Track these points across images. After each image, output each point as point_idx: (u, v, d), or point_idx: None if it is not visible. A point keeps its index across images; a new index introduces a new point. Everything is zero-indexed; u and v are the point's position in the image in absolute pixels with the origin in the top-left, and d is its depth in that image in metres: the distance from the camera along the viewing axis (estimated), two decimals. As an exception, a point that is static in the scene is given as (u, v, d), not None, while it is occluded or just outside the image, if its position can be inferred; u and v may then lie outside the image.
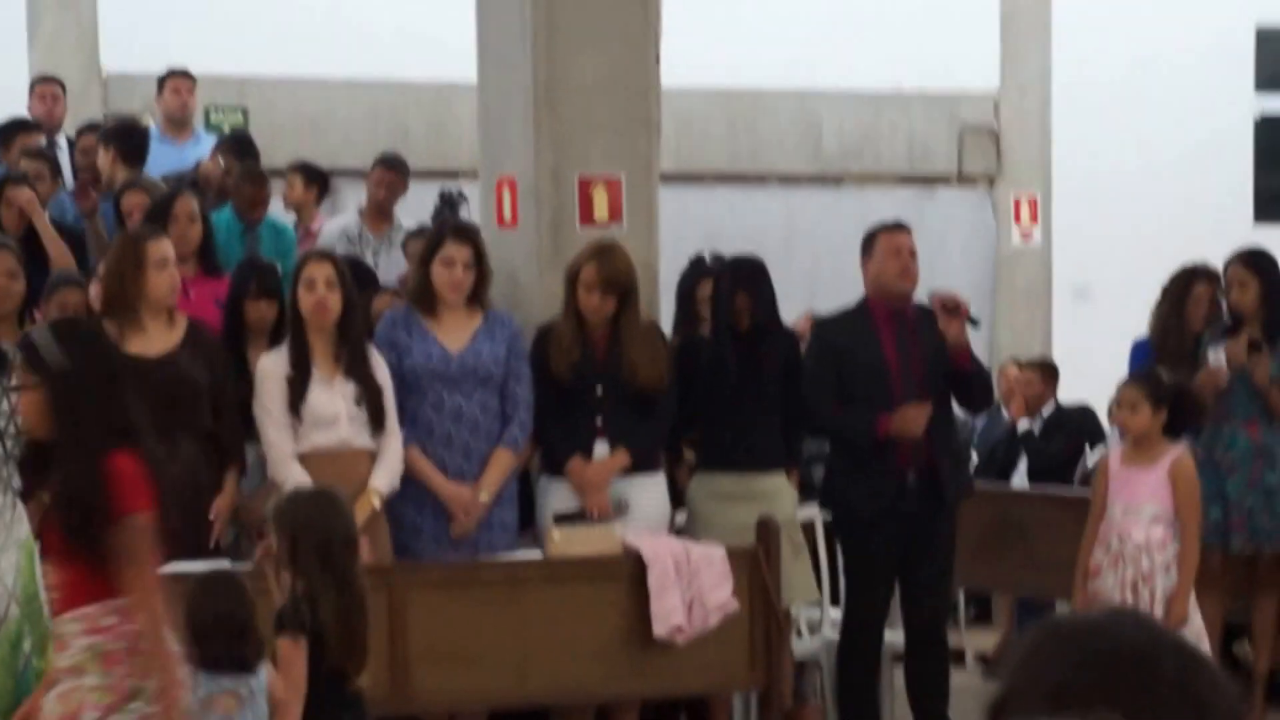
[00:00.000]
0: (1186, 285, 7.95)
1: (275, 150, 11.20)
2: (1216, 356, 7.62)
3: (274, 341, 6.70)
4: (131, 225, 7.68)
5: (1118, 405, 6.95)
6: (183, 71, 9.90)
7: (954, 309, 6.91)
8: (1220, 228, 12.78)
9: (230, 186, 8.76)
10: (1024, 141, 14.26)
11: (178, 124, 9.78)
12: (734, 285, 6.99)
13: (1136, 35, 14.19)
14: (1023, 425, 10.09)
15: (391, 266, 8.52)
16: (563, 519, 6.61)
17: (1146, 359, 7.81)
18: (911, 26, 13.70)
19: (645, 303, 6.90)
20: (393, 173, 9.10)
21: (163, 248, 6.35)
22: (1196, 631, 6.69)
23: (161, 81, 9.94)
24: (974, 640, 9.77)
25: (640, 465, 6.75)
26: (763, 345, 6.98)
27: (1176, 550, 6.75)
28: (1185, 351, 7.80)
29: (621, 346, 6.66)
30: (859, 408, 6.87)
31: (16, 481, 4.99)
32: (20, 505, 5.03)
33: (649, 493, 6.79)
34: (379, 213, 8.99)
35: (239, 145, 9.32)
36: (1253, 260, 7.88)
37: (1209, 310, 7.95)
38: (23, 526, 5.02)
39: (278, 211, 9.08)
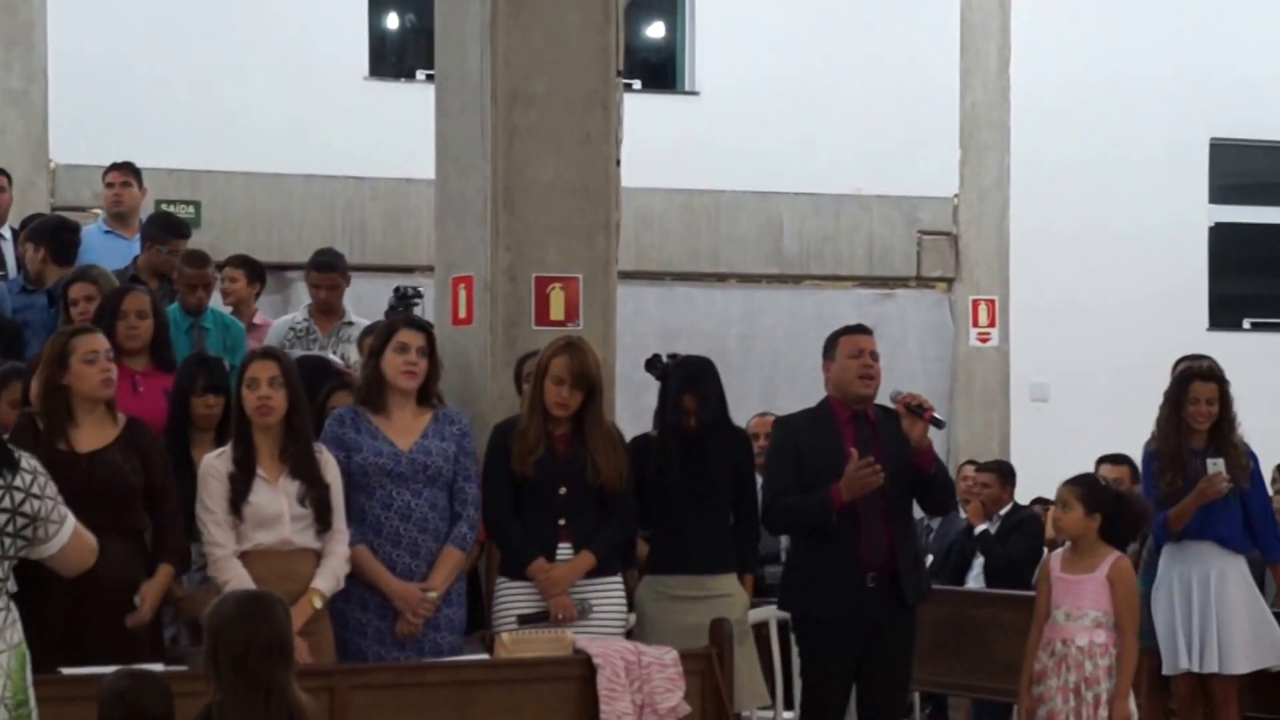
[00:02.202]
0: (1184, 387, 7.73)
1: (227, 244, 11.14)
2: (1215, 463, 7.49)
3: (220, 437, 6.57)
4: (80, 313, 7.57)
5: (1055, 504, 7.00)
6: (124, 164, 9.73)
7: (918, 410, 6.82)
8: (1175, 332, 12.81)
9: (166, 267, 8.66)
10: (982, 245, 14.31)
11: (119, 218, 9.61)
12: (681, 386, 6.88)
13: (1094, 144, 14.29)
14: (980, 526, 10.03)
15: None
16: (527, 620, 6.45)
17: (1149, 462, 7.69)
18: (872, 130, 13.76)
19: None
20: (331, 274, 8.95)
21: (91, 343, 6.17)
22: None
23: (105, 175, 9.83)
24: (930, 742, 9.68)
25: (600, 568, 6.60)
26: (711, 446, 6.87)
27: (1117, 654, 6.79)
28: (1183, 454, 7.59)
29: (585, 445, 6.54)
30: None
31: (12, 584, 4.89)
32: (14, 609, 4.92)
33: (609, 596, 6.64)
34: (324, 310, 8.88)
35: (159, 224, 9.14)
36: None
37: (1207, 410, 7.62)
38: (16, 631, 4.91)
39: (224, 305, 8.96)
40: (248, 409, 6.21)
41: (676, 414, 6.83)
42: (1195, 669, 7.50)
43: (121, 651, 5.84)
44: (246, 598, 4.73)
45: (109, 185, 9.67)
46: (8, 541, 4.83)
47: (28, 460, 4.89)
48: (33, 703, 4.86)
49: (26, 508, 4.84)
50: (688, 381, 6.88)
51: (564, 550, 6.55)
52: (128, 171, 9.69)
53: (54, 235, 8.70)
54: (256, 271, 9.29)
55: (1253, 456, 7.66)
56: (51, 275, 8.44)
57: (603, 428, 6.58)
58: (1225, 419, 7.59)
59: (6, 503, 4.82)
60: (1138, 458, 8.06)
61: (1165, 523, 7.53)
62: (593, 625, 6.50)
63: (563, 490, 6.54)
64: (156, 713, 4.60)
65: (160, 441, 6.39)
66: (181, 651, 6.27)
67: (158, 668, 5.66)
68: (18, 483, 4.82)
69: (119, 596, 6.05)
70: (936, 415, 6.87)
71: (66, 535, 4.97)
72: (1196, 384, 7.61)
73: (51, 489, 4.91)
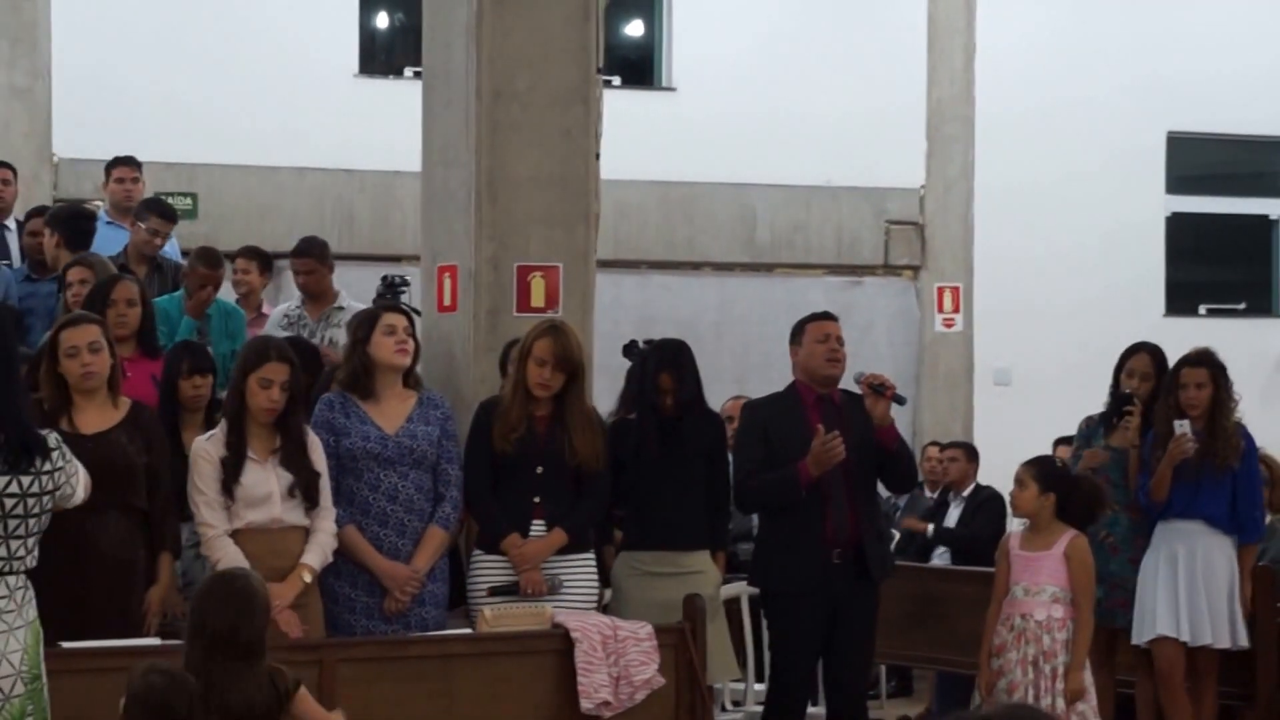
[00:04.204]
0: (1175, 373, 7.71)
1: (222, 234, 11.19)
2: (1181, 425, 7.51)
3: (209, 417, 6.60)
4: (73, 296, 7.57)
5: (1013, 483, 7.06)
6: (128, 159, 9.70)
7: (880, 389, 6.84)
8: (1133, 319, 12.84)
9: (147, 247, 8.68)
10: (947, 234, 14.32)
11: (124, 211, 9.61)
12: (658, 365, 6.90)
13: (1055, 136, 14.30)
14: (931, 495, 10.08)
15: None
16: (498, 591, 6.47)
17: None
18: (841, 124, 13.76)
19: (581, 385, 6.81)
20: (304, 259, 8.92)
21: (71, 337, 6.15)
22: (1093, 706, 6.81)
23: (108, 169, 9.80)
24: (895, 712, 9.72)
25: (572, 545, 6.62)
26: (687, 425, 6.88)
27: (1074, 628, 6.82)
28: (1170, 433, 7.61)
29: (564, 426, 6.56)
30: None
31: (31, 561, 4.92)
32: (31, 586, 4.95)
33: (579, 572, 6.66)
34: (311, 296, 8.89)
35: (145, 204, 9.10)
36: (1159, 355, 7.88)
37: (1196, 394, 7.60)
38: (33, 608, 4.94)
39: (226, 292, 8.95)
40: (254, 406, 6.19)
41: (653, 393, 6.86)
42: (1185, 639, 7.44)
43: (119, 626, 5.87)
44: (227, 586, 4.83)
45: (119, 181, 9.59)
46: (32, 522, 4.87)
47: (52, 437, 4.97)
48: (44, 677, 4.90)
49: (50, 484, 4.90)
50: (665, 361, 6.91)
51: (537, 526, 6.57)
52: (136, 168, 9.65)
53: (70, 222, 8.68)
54: (267, 263, 9.31)
55: (1248, 438, 7.64)
56: (64, 261, 8.42)
57: (582, 409, 6.60)
58: (1218, 401, 7.58)
59: (34, 488, 4.85)
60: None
61: (1149, 494, 7.57)
62: (562, 600, 6.52)
63: (540, 469, 6.56)
64: (182, 712, 4.63)
65: (161, 425, 6.40)
66: (176, 626, 6.28)
67: (154, 641, 5.69)
68: (46, 467, 4.88)
69: (119, 572, 6.07)
70: (899, 393, 6.91)
71: (83, 487, 5.05)
72: (1185, 370, 7.63)
73: (67, 452, 5.00)
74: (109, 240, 9.00)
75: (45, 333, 7.28)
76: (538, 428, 6.57)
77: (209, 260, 8.37)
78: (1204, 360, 7.65)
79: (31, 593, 4.92)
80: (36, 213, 9.31)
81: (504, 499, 6.58)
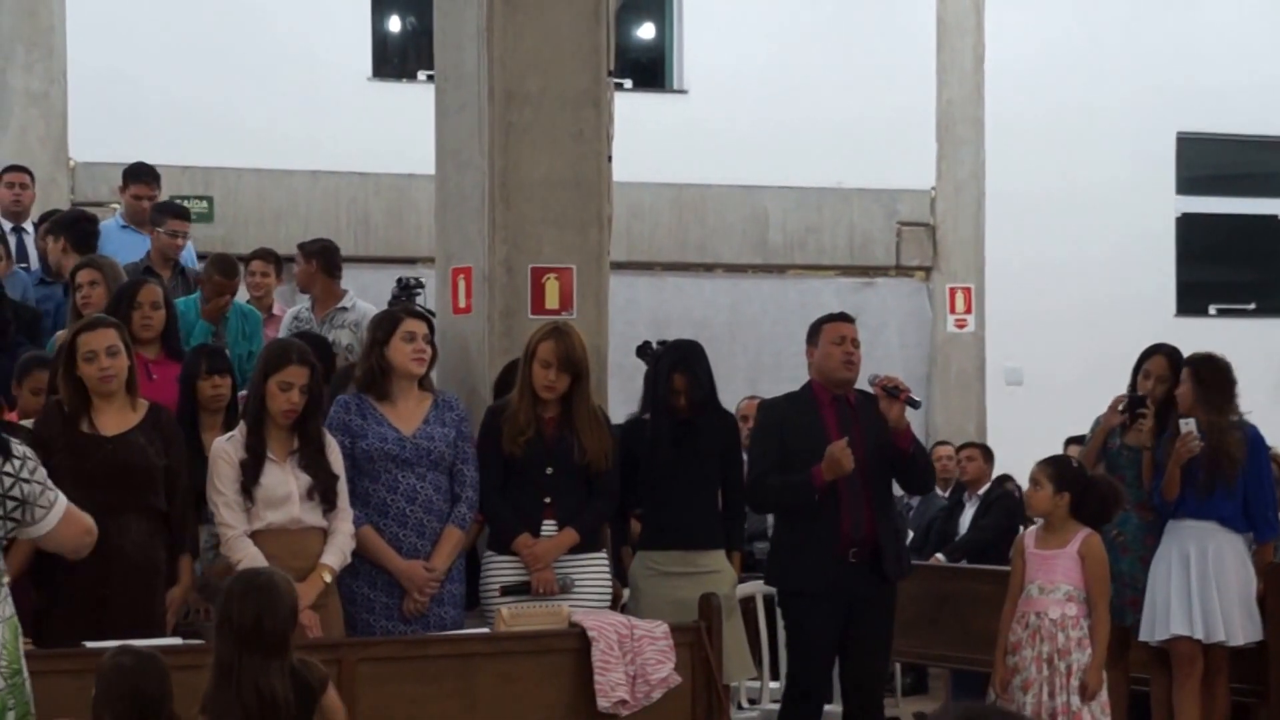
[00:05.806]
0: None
1: (238, 237, 11.22)
2: (1186, 423, 7.51)
3: (229, 417, 6.61)
4: (82, 298, 7.58)
5: (1029, 483, 7.08)
6: (144, 174, 9.59)
7: (895, 392, 6.84)
8: (1144, 319, 12.85)
9: (170, 249, 8.71)
10: (959, 235, 14.32)
11: (139, 221, 9.60)
12: (671, 366, 6.91)
13: (1065, 138, 14.29)
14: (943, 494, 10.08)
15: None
16: (509, 590, 6.49)
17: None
18: (852, 126, 13.77)
19: (594, 386, 6.81)
20: (310, 261, 8.95)
21: (89, 341, 6.14)
22: (1103, 704, 6.81)
23: (125, 182, 9.69)
24: (910, 709, 9.72)
25: (583, 545, 6.63)
26: (701, 425, 6.89)
27: (1090, 625, 6.83)
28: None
29: (572, 426, 6.57)
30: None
31: (2, 562, 4.88)
32: (5, 586, 4.90)
33: (591, 571, 6.67)
34: (313, 299, 8.92)
35: (160, 209, 9.10)
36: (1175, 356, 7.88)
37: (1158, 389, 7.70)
38: (8, 605, 4.89)
39: (242, 294, 8.97)
40: (274, 408, 6.20)
41: (667, 393, 6.86)
42: (1200, 637, 7.44)
43: (142, 625, 5.87)
44: (251, 585, 4.79)
45: (135, 198, 9.46)
46: None
47: (17, 446, 4.83)
48: (25, 672, 4.85)
49: (16, 492, 4.77)
50: (678, 362, 6.92)
51: (548, 526, 6.58)
52: (151, 184, 9.57)
53: (73, 226, 8.71)
54: (280, 265, 9.35)
55: (1256, 437, 7.63)
56: (70, 265, 8.44)
57: (589, 410, 6.60)
58: (1207, 401, 7.54)
59: None
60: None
61: (1162, 494, 7.57)
62: (573, 599, 6.53)
63: (549, 470, 6.57)
64: (155, 694, 4.64)
65: (179, 429, 6.41)
66: (198, 626, 6.30)
67: (175, 641, 5.69)
68: (8, 469, 4.77)
69: (140, 572, 6.08)
70: (913, 396, 6.90)
71: (56, 518, 4.87)
72: (1151, 362, 7.73)
73: (41, 473, 4.82)
74: (125, 245, 9.03)
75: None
76: (546, 429, 6.57)
77: (225, 268, 8.38)
78: (1172, 354, 7.75)
79: (6, 591, 4.87)
80: (49, 216, 9.32)
81: (515, 500, 6.59)
